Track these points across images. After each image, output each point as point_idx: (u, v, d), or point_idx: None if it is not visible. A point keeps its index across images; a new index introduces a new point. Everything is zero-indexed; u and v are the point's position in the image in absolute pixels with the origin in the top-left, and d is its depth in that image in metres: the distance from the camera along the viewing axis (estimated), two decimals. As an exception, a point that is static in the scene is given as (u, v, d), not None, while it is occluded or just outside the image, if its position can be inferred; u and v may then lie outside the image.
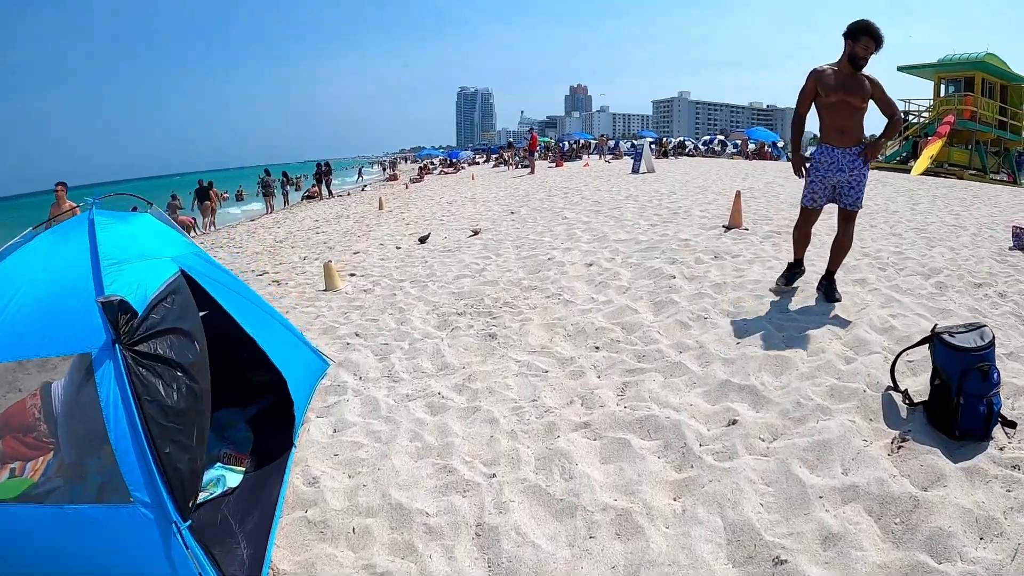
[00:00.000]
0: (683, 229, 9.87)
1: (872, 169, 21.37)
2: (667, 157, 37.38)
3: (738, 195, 10.08)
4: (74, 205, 8.31)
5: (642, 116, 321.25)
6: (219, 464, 3.91)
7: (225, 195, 37.26)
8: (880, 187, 17.04)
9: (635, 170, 24.53)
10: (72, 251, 3.24)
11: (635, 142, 55.05)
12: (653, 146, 33.75)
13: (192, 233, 23.45)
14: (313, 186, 35.63)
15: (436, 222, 14.98)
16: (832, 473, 3.24)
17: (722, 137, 60.98)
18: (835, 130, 5.34)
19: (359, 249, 12.19)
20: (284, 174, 34.52)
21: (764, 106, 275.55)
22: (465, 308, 6.78)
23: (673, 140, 54.14)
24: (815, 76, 5.28)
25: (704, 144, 54.01)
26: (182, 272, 3.57)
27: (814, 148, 5.73)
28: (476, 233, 11.96)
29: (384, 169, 69.82)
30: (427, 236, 12.15)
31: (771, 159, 39.46)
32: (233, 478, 3.83)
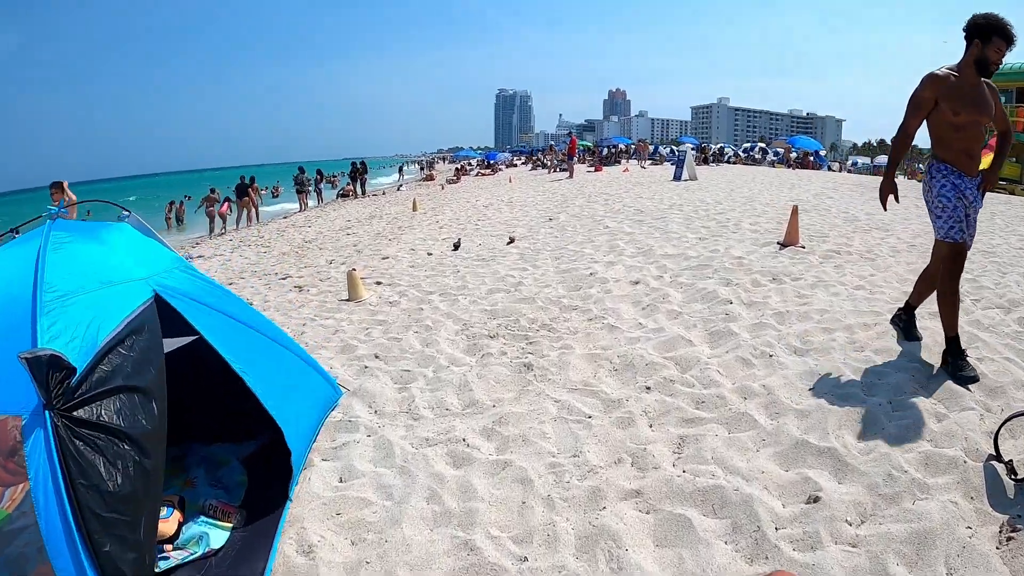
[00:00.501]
0: (735, 245, 9.18)
1: (920, 181, 20.08)
2: (708, 164, 36.52)
3: (795, 210, 9.34)
4: (75, 200, 7.69)
5: (681, 122, 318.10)
6: (203, 518, 3.35)
7: (264, 190, 37.37)
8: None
9: (677, 177, 23.78)
10: (16, 279, 2.64)
11: (675, 148, 54.14)
12: (694, 152, 32.95)
13: (224, 226, 23.38)
14: (348, 184, 35.32)
15: (471, 227, 14.41)
16: (935, 573, 2.57)
17: (763, 145, 59.75)
18: (964, 154, 4.29)
19: (388, 254, 11.63)
20: (319, 172, 34.24)
21: (804, 114, 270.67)
22: (498, 330, 6.14)
23: (713, 147, 53.12)
24: (937, 86, 4.19)
25: (744, 151, 52.94)
26: (157, 297, 2.99)
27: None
28: (512, 241, 11.34)
29: (421, 168, 69.59)
30: (460, 242, 11.56)
31: (814, 168, 38.53)
32: (218, 536, 3.26)
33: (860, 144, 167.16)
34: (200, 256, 15.99)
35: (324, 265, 11.49)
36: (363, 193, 33.87)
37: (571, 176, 28.45)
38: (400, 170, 67.84)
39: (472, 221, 15.46)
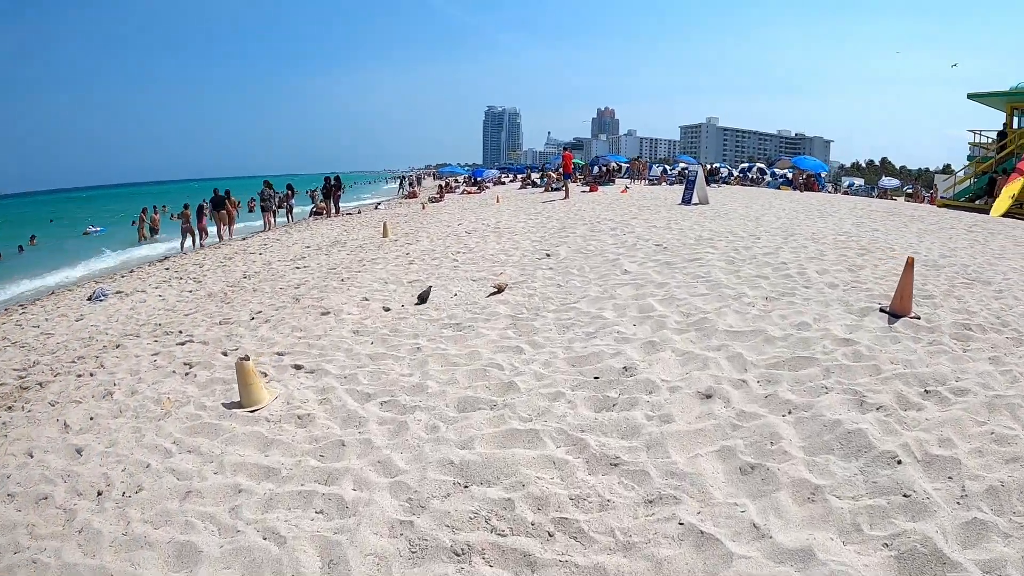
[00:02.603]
0: (823, 312, 6.30)
1: (940, 206, 17.29)
2: (708, 184, 33.79)
3: (911, 265, 6.35)
4: None
5: (669, 141, 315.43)
6: None
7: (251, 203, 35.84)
8: (989, 235, 13.48)
9: (687, 200, 20.98)
10: None
11: (667, 167, 51.40)
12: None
13: (202, 241, 23.83)
14: (321, 202, 32.26)
15: (447, 263, 11.40)
16: None
17: (761, 165, 57.13)
18: None
19: (332, 306, 8.60)
20: (288, 187, 31.15)
21: (793, 134, 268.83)
22: (473, 530, 3.11)
23: (708, 166, 50.44)
24: None
25: (742, 172, 50.23)
26: None
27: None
28: (500, 291, 8.38)
29: (410, 184, 66.14)
30: (428, 292, 8.54)
31: (817, 190, 36.06)
32: None
33: (848, 165, 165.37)
34: (119, 292, 13.03)
35: (244, 322, 8.44)
36: (337, 211, 30.83)
37: (566, 196, 25.52)
38: (401, 182, 64.49)
39: (449, 254, 12.44)
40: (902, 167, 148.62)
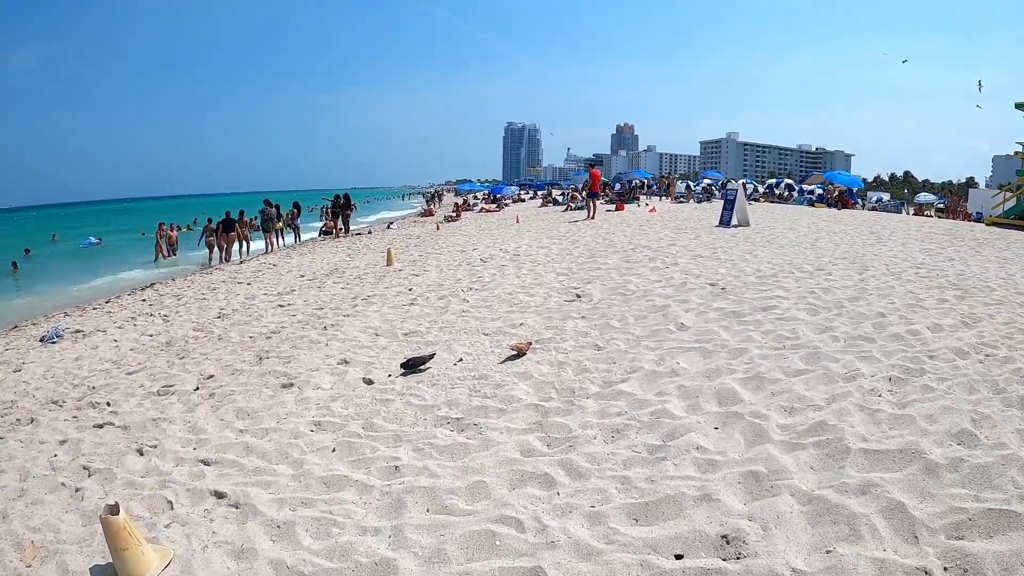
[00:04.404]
0: (975, 406, 4.39)
1: (989, 224, 14.92)
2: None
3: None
4: None
5: (689, 156, 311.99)
6: None
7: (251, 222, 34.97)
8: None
9: (725, 222, 18.96)
10: None
11: (691, 183, 49.21)
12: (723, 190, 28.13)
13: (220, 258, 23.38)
14: (330, 221, 30.54)
15: (454, 305, 9.44)
16: None
17: (789, 181, 54.89)
18: None
19: (300, 372, 6.66)
20: (295, 204, 29.44)
21: (813, 149, 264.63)
22: None
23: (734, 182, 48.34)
24: None
25: (768, 188, 48.04)
26: None
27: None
28: (520, 354, 6.44)
29: (428, 201, 64.26)
30: (425, 359, 6.53)
31: (852, 207, 34.04)
32: None
33: (871, 179, 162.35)
34: (78, 331, 11.25)
35: (186, 392, 6.54)
36: (347, 231, 29.08)
37: (591, 216, 23.56)
38: (431, 197, 63.48)
39: (459, 291, 10.51)
40: (924, 180, 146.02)
